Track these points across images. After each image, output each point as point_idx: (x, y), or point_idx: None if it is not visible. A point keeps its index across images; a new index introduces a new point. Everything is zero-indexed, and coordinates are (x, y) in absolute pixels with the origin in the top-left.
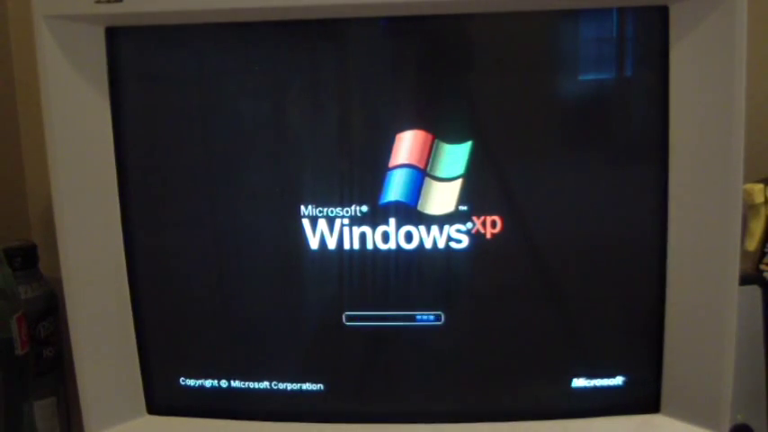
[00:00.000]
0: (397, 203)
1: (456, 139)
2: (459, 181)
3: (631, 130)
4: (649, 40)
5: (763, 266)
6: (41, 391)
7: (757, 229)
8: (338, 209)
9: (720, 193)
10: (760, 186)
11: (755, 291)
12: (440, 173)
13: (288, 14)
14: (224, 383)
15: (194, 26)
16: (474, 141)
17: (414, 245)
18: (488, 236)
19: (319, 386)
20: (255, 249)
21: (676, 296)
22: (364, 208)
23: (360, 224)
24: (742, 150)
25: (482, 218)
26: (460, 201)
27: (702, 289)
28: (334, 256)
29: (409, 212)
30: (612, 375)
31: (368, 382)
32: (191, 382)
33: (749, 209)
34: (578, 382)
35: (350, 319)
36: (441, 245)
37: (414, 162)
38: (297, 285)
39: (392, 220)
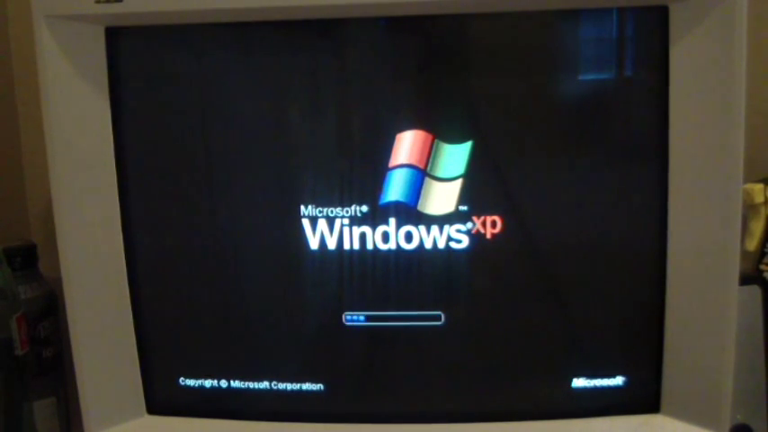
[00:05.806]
0: (397, 203)
1: (456, 139)
2: (460, 181)
3: (631, 131)
4: (649, 40)
5: (763, 266)
6: (41, 391)
7: (757, 229)
8: (338, 209)
9: (720, 193)
10: (760, 186)
11: (755, 291)
12: (440, 173)
13: (288, 14)
14: (224, 383)
15: (194, 26)
16: (474, 141)
17: (414, 245)
18: (488, 236)
19: (319, 386)
20: (255, 249)
21: (676, 296)
22: (364, 208)
23: (360, 224)
24: (742, 150)
25: (482, 218)
26: (460, 201)
27: (702, 289)
28: (334, 257)
29: (409, 212)
30: (612, 375)
31: (368, 383)
32: (190, 382)
33: (749, 209)
34: (578, 383)
35: (350, 319)
36: (441, 245)
37: (414, 162)
38: (297, 285)
39: (392, 221)
